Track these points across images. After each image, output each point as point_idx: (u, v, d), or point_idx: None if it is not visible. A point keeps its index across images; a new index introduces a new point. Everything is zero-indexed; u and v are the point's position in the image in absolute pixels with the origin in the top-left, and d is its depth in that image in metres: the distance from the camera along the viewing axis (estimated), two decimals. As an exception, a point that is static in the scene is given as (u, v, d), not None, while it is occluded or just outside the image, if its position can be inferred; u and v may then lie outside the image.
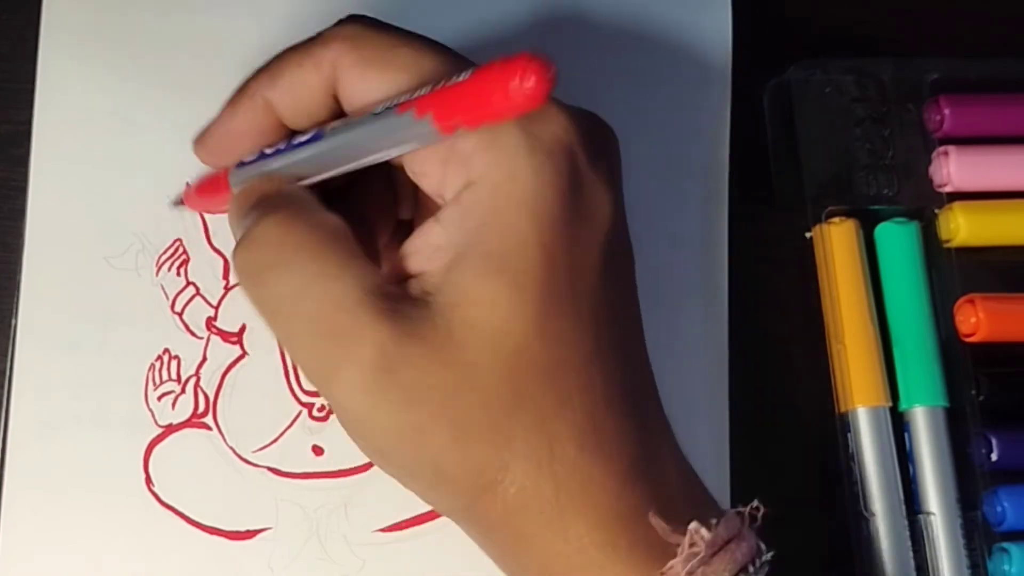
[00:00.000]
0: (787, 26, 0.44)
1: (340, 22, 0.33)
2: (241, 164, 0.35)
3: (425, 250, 0.31)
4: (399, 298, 0.30)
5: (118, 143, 0.40)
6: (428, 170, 0.32)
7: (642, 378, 0.33)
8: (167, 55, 0.41)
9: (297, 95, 0.33)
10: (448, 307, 0.29)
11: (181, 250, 0.40)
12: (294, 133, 0.34)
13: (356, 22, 0.33)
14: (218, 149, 0.36)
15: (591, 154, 0.31)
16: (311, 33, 0.41)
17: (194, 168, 0.40)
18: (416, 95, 0.29)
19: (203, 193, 0.38)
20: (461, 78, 0.28)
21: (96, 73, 0.41)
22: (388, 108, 0.30)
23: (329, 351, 0.30)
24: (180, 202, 0.40)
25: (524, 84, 0.26)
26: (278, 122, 0.34)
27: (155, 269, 0.40)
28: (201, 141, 0.36)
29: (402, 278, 0.31)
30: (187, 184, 0.39)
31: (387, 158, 0.31)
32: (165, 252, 0.40)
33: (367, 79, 0.32)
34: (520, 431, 0.29)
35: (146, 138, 0.40)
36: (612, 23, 0.42)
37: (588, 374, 0.30)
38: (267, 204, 0.32)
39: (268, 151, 0.34)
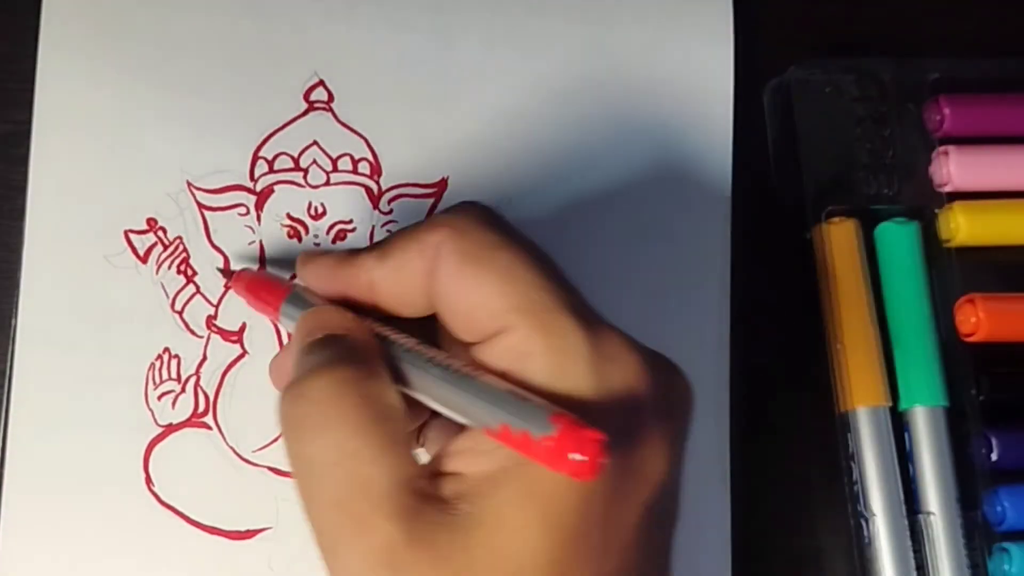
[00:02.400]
0: (787, 26, 0.44)
1: (455, 207, 0.33)
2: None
3: (469, 454, 0.30)
4: (427, 498, 0.29)
5: (118, 141, 0.40)
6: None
7: None
8: (167, 55, 0.41)
9: (401, 278, 0.33)
10: (472, 522, 0.28)
11: (181, 248, 0.40)
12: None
13: (467, 211, 0.33)
14: (311, 283, 0.35)
15: (656, 408, 0.30)
16: (311, 33, 0.41)
17: (194, 167, 0.40)
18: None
19: (255, 288, 0.37)
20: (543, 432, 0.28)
21: (96, 73, 0.41)
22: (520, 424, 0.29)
23: (342, 529, 0.29)
24: (226, 276, 0.39)
25: (580, 458, 0.27)
26: (374, 299, 0.34)
27: (155, 268, 0.40)
28: (305, 265, 0.36)
29: (439, 473, 0.30)
30: (246, 269, 0.39)
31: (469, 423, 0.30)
32: (165, 250, 0.40)
33: (463, 273, 0.31)
34: None
35: (146, 137, 0.40)
36: (612, 23, 0.42)
37: None
38: (332, 351, 0.32)
39: (389, 334, 0.33)
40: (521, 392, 0.29)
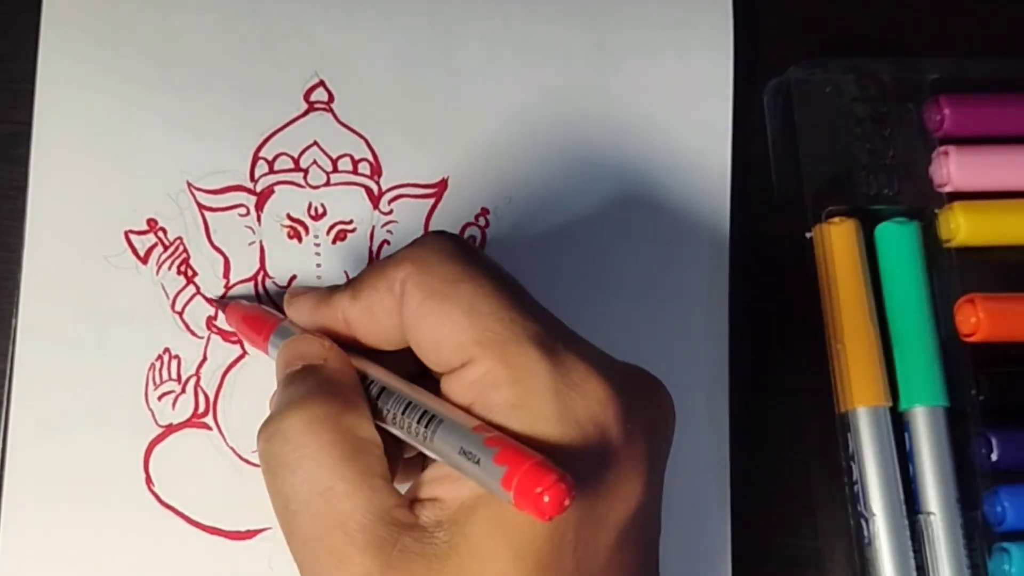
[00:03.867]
0: (787, 26, 0.44)
1: (421, 238, 0.33)
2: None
3: (447, 481, 0.30)
4: (404, 527, 0.30)
5: (118, 142, 0.40)
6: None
7: None
8: (167, 55, 0.41)
9: (373, 315, 0.33)
10: (448, 551, 0.29)
11: (181, 248, 0.40)
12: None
13: (431, 244, 0.33)
14: (297, 319, 0.36)
15: (629, 431, 0.30)
16: (311, 33, 0.41)
17: (194, 168, 0.40)
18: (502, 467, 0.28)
19: (246, 320, 0.38)
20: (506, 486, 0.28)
21: (96, 73, 0.41)
22: (485, 462, 0.29)
23: (321, 563, 0.30)
24: (220, 308, 0.40)
25: (543, 498, 0.27)
26: (352, 335, 0.34)
27: (155, 268, 0.40)
28: (290, 303, 0.36)
29: (417, 499, 0.31)
30: (238, 302, 0.39)
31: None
32: (166, 251, 0.40)
33: (426, 308, 0.31)
34: None
35: (146, 138, 0.40)
36: (612, 24, 0.42)
37: None
38: (308, 384, 0.32)
39: (366, 368, 0.33)
40: (486, 432, 0.29)
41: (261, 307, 0.38)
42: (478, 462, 0.29)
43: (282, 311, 0.37)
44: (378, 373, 0.33)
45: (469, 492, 0.29)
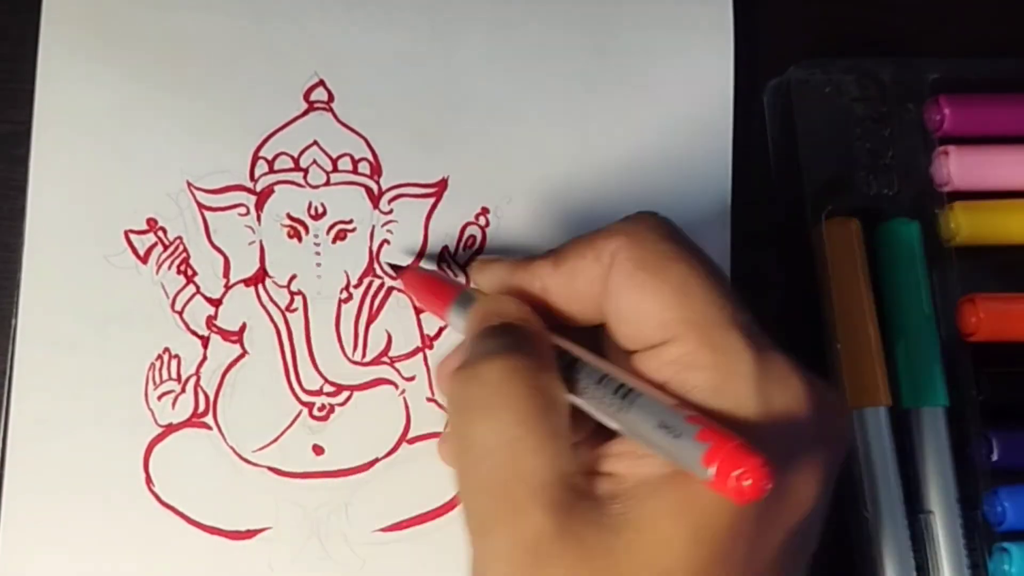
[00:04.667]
0: (787, 26, 0.44)
1: (632, 216, 0.33)
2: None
3: (628, 457, 0.30)
4: (582, 495, 0.29)
5: (118, 142, 0.40)
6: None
7: None
8: (167, 54, 0.41)
9: (574, 284, 0.33)
10: (622, 524, 0.29)
11: (181, 248, 0.40)
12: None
13: (644, 221, 0.33)
14: (486, 287, 0.36)
15: (816, 435, 0.30)
16: (311, 33, 0.41)
17: (194, 168, 0.40)
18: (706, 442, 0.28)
19: (424, 286, 0.38)
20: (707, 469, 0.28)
21: (96, 73, 0.41)
22: (686, 438, 0.29)
23: (495, 513, 0.30)
24: (395, 272, 0.40)
25: (744, 480, 0.27)
26: (547, 306, 0.34)
27: (155, 268, 0.40)
28: (481, 269, 0.37)
29: (596, 472, 0.30)
30: (415, 268, 0.39)
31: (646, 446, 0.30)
32: (165, 250, 0.40)
33: (636, 281, 0.31)
34: None
35: (146, 138, 0.40)
36: (612, 24, 0.42)
37: None
38: (508, 339, 0.32)
39: (557, 340, 0.33)
40: (686, 410, 0.29)
41: (441, 273, 0.38)
42: (678, 436, 0.28)
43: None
44: (570, 345, 0.33)
45: (651, 470, 0.29)
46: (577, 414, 0.32)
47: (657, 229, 0.32)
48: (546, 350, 0.32)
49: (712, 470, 0.27)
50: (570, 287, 0.33)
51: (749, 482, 0.27)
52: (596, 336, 0.34)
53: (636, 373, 0.31)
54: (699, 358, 0.30)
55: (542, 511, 0.29)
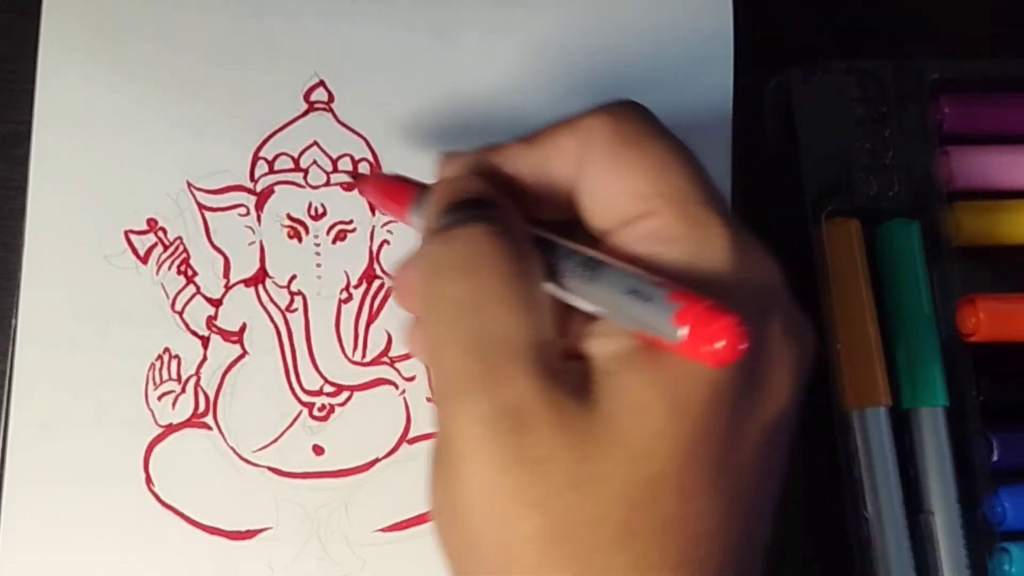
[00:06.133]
0: (787, 26, 0.44)
1: (612, 101, 0.33)
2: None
3: (602, 337, 0.29)
4: (561, 368, 0.28)
5: (118, 143, 0.40)
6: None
7: (754, 565, 0.30)
8: (167, 54, 0.41)
9: (550, 164, 0.32)
10: (601, 397, 0.27)
11: (181, 248, 0.40)
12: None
13: (625, 104, 0.32)
14: (455, 172, 0.34)
15: (787, 329, 0.29)
16: (311, 33, 0.41)
17: (194, 168, 0.40)
18: (676, 302, 0.27)
19: (383, 189, 0.36)
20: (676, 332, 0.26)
21: (96, 73, 0.41)
22: (657, 300, 0.27)
23: (472, 376, 0.28)
24: (354, 179, 0.39)
25: (717, 340, 0.26)
26: (519, 196, 0.33)
27: (155, 268, 0.40)
28: (447, 161, 0.35)
29: (573, 353, 0.29)
30: (375, 173, 0.39)
31: (609, 317, 0.29)
32: (166, 250, 0.40)
33: (616, 155, 0.31)
34: (615, 566, 0.27)
35: (146, 138, 0.40)
36: (613, 24, 0.42)
37: (705, 551, 0.27)
38: (484, 210, 0.31)
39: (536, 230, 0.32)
40: (656, 278, 0.28)
41: (401, 175, 0.37)
42: (648, 300, 0.27)
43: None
44: (536, 228, 0.31)
45: (624, 347, 0.28)
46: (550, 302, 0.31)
47: (636, 110, 0.32)
48: (519, 223, 0.31)
49: (684, 331, 0.26)
50: (544, 168, 0.32)
51: (723, 343, 0.25)
52: (564, 233, 0.32)
53: (612, 248, 0.30)
54: (676, 231, 0.29)
55: (523, 373, 0.27)
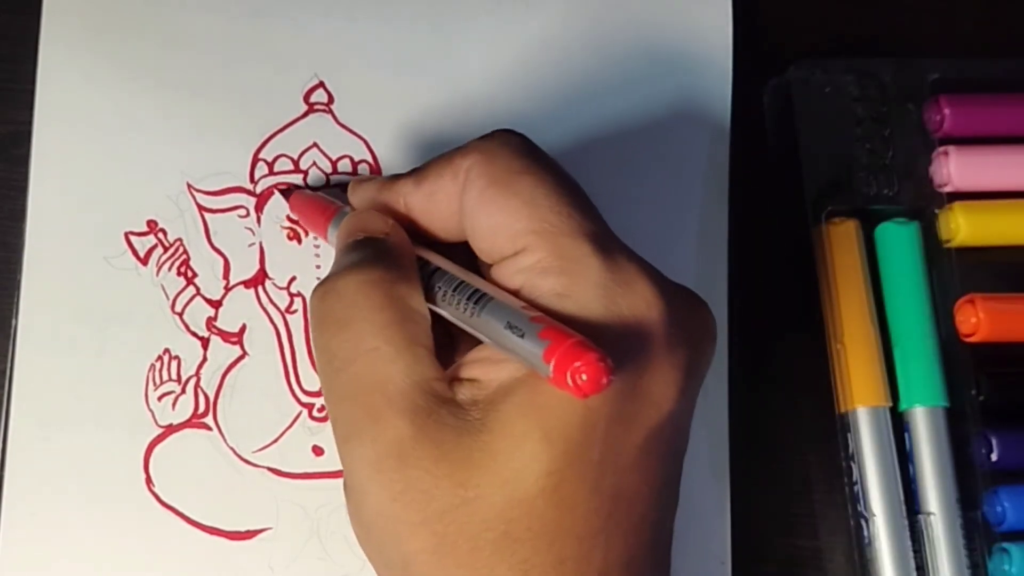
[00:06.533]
0: (787, 26, 0.44)
1: (489, 134, 0.34)
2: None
3: (487, 363, 0.31)
4: (441, 400, 0.30)
5: (118, 143, 0.40)
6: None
7: (653, 553, 0.32)
8: (167, 55, 0.41)
9: (434, 201, 0.34)
10: (479, 427, 0.30)
11: (181, 250, 0.40)
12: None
13: (498, 138, 0.34)
14: (357, 202, 0.37)
15: (670, 336, 0.31)
16: (311, 33, 0.41)
17: (194, 169, 0.40)
18: (543, 342, 0.29)
19: (307, 207, 0.39)
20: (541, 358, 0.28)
21: (96, 73, 0.41)
22: (530, 336, 0.29)
23: (357, 421, 0.31)
24: (284, 196, 0.40)
25: (580, 375, 0.28)
26: (412, 222, 0.35)
27: (155, 269, 0.40)
28: (354, 190, 0.37)
29: (457, 378, 0.31)
30: (302, 190, 0.40)
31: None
32: (166, 252, 0.40)
33: (487, 196, 0.32)
34: (499, 570, 0.29)
35: (146, 138, 0.40)
36: (613, 24, 0.42)
37: (588, 548, 0.30)
38: (368, 251, 0.33)
39: (420, 252, 0.34)
40: (532, 311, 0.30)
41: (323, 195, 0.39)
42: (523, 335, 0.29)
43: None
44: (432, 256, 0.34)
45: (507, 375, 0.30)
46: (444, 324, 0.33)
47: (509, 145, 0.33)
48: (407, 261, 0.33)
49: (551, 366, 0.28)
50: (430, 205, 0.34)
51: (584, 377, 0.27)
52: (467, 254, 0.34)
53: (494, 282, 0.32)
54: (548, 265, 0.31)
55: (400, 417, 0.30)
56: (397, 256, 0.33)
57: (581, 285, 0.30)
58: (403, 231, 0.34)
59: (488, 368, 0.31)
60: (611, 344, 0.28)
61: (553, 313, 0.30)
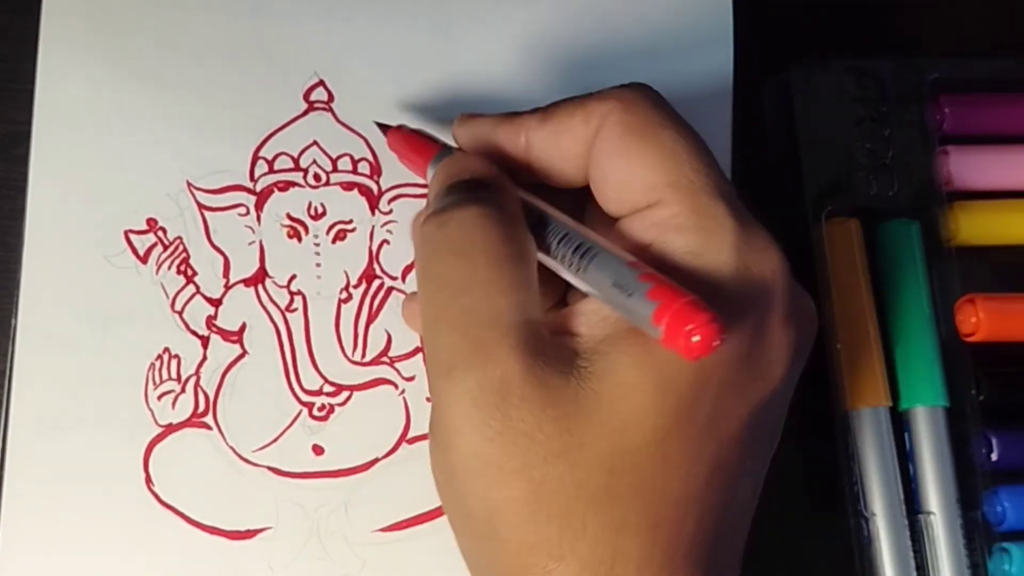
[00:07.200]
0: (787, 26, 0.44)
1: (624, 84, 0.33)
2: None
3: (592, 316, 0.30)
4: (549, 344, 0.30)
5: (118, 142, 0.40)
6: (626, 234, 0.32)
7: (733, 539, 0.31)
8: (167, 54, 0.41)
9: (560, 141, 0.33)
10: (586, 375, 0.29)
11: (181, 248, 0.40)
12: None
13: (636, 89, 0.33)
14: (466, 141, 0.36)
15: (788, 311, 0.31)
16: (310, 33, 0.41)
17: (194, 168, 0.40)
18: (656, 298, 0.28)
19: (407, 144, 0.38)
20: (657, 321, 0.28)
21: (96, 73, 0.41)
22: (638, 296, 0.29)
23: (463, 351, 0.29)
24: (382, 130, 0.39)
25: (692, 336, 0.27)
26: (529, 162, 0.34)
27: (155, 268, 0.40)
28: (463, 123, 0.36)
29: (562, 331, 0.30)
30: (402, 125, 0.39)
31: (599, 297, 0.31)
32: (165, 250, 0.40)
33: (625, 144, 0.32)
34: (593, 531, 0.28)
35: (146, 138, 0.40)
36: (613, 23, 0.42)
37: (683, 514, 0.29)
38: (479, 191, 0.32)
39: (528, 198, 0.33)
40: (640, 268, 0.29)
41: (424, 132, 0.38)
42: (631, 295, 0.28)
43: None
44: (539, 203, 0.33)
45: (613, 329, 0.29)
46: (548, 276, 0.32)
47: (648, 97, 0.33)
48: (515, 205, 0.32)
49: (661, 328, 0.27)
50: (555, 144, 0.33)
51: (698, 338, 0.27)
52: (575, 202, 0.34)
53: (621, 236, 0.32)
54: (683, 221, 0.30)
55: (510, 352, 0.29)
56: (507, 198, 0.32)
57: (716, 244, 0.30)
58: (507, 177, 0.33)
59: (595, 321, 0.30)
60: (736, 308, 0.28)
61: (685, 270, 0.30)
